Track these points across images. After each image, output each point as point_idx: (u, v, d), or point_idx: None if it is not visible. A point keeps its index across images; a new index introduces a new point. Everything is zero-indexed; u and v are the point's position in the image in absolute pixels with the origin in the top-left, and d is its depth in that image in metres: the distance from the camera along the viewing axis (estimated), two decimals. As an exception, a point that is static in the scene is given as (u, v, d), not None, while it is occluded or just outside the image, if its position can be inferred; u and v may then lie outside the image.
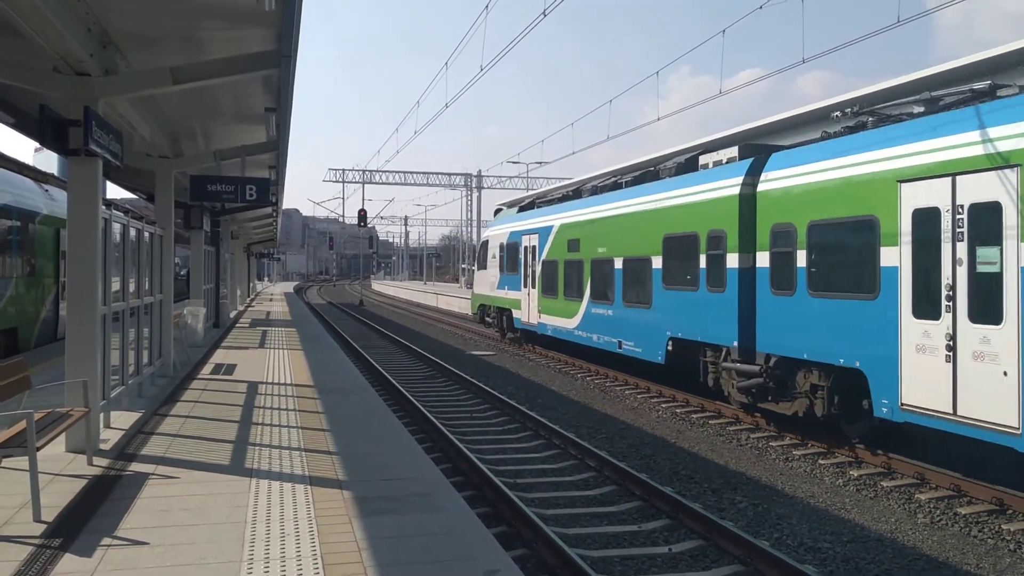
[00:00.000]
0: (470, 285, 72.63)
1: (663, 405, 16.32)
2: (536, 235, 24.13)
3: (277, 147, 17.41)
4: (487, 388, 17.26)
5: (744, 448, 12.79)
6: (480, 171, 71.21)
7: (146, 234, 12.69)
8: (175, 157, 16.33)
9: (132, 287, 11.48)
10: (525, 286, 25.03)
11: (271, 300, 52.07)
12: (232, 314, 33.41)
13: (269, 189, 17.98)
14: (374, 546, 5.79)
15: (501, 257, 27.54)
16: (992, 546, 8.54)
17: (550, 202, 25.18)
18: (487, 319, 30.36)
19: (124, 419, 10.49)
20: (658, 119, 25.49)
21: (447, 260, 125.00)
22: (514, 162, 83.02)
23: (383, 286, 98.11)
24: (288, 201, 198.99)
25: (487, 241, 29.72)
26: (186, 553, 5.64)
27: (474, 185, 71.98)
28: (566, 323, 21.58)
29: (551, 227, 22.88)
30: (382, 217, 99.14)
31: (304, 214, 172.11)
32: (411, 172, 69.90)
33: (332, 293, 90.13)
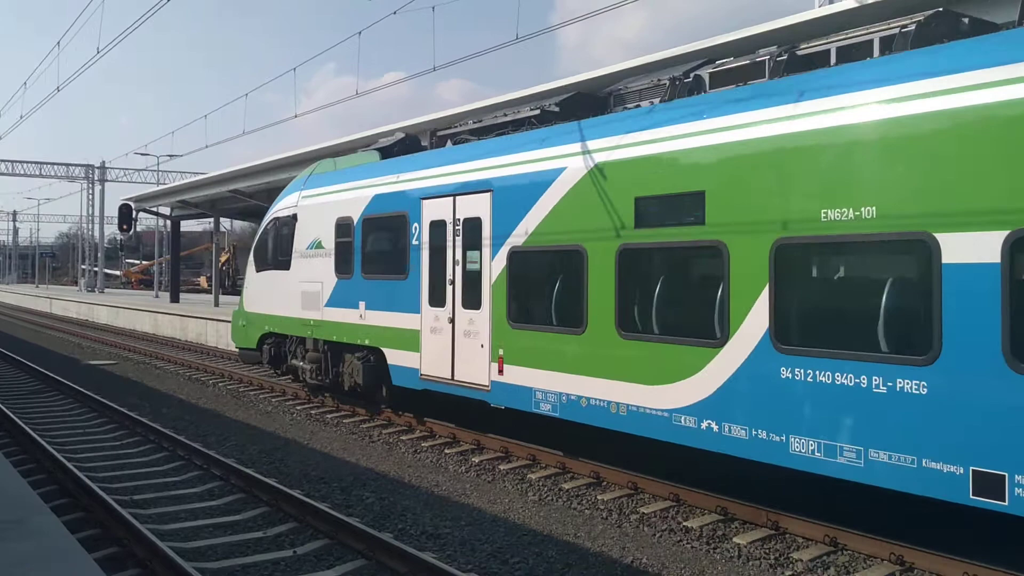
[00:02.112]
0: (92, 287, 65.70)
1: (298, 407, 16.18)
2: (483, 197, 11.80)
3: None
4: (105, 401, 15.89)
5: (376, 444, 13.12)
6: (104, 162, 65.04)
7: None
8: None
9: None
10: (435, 302, 12.65)
11: None
12: None
13: None
14: (-58, 587, 5.09)
15: (341, 245, 14.77)
16: (589, 516, 9.59)
17: (511, 125, 12.58)
18: (294, 361, 16.35)
19: None
20: (295, 116, 25.37)
21: (65, 260, 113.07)
22: (143, 154, 77.00)
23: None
24: None
25: (292, 215, 16.20)
26: None
27: (96, 177, 65.61)
28: (640, 396, 9.40)
29: (556, 172, 10.56)
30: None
31: None
32: (20, 161, 62.16)
33: (-84, 299, 77.13)
